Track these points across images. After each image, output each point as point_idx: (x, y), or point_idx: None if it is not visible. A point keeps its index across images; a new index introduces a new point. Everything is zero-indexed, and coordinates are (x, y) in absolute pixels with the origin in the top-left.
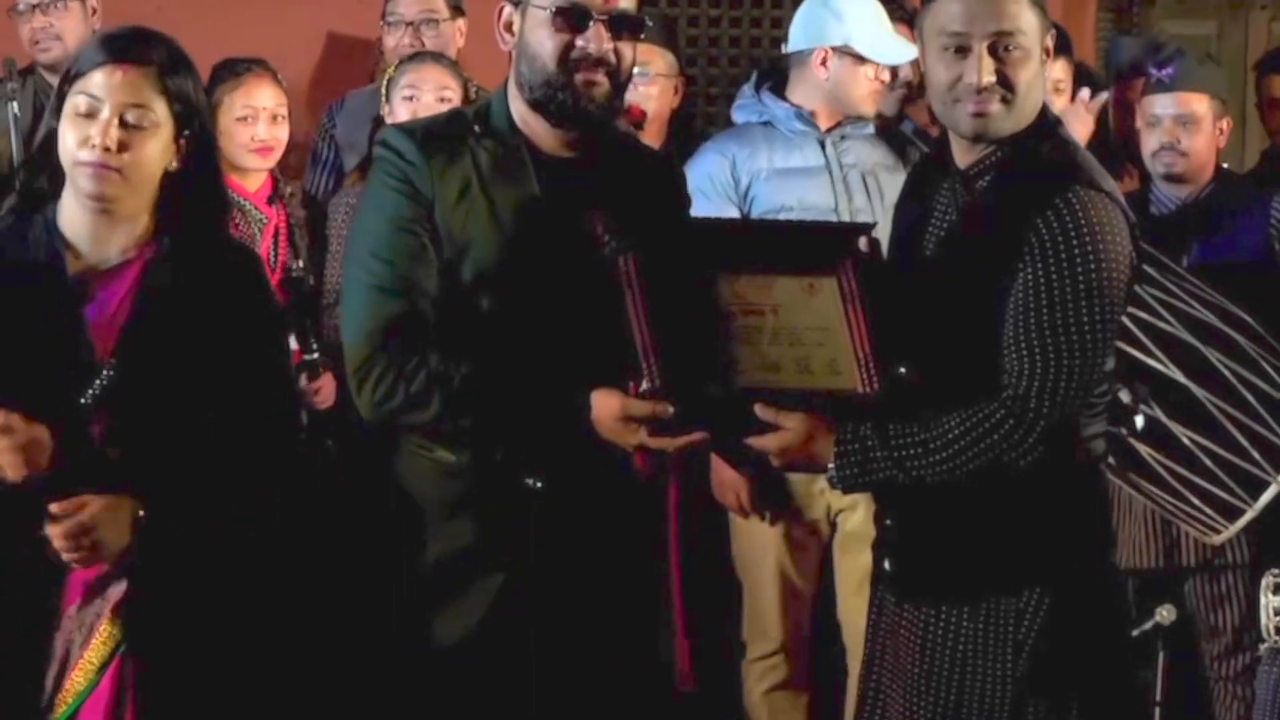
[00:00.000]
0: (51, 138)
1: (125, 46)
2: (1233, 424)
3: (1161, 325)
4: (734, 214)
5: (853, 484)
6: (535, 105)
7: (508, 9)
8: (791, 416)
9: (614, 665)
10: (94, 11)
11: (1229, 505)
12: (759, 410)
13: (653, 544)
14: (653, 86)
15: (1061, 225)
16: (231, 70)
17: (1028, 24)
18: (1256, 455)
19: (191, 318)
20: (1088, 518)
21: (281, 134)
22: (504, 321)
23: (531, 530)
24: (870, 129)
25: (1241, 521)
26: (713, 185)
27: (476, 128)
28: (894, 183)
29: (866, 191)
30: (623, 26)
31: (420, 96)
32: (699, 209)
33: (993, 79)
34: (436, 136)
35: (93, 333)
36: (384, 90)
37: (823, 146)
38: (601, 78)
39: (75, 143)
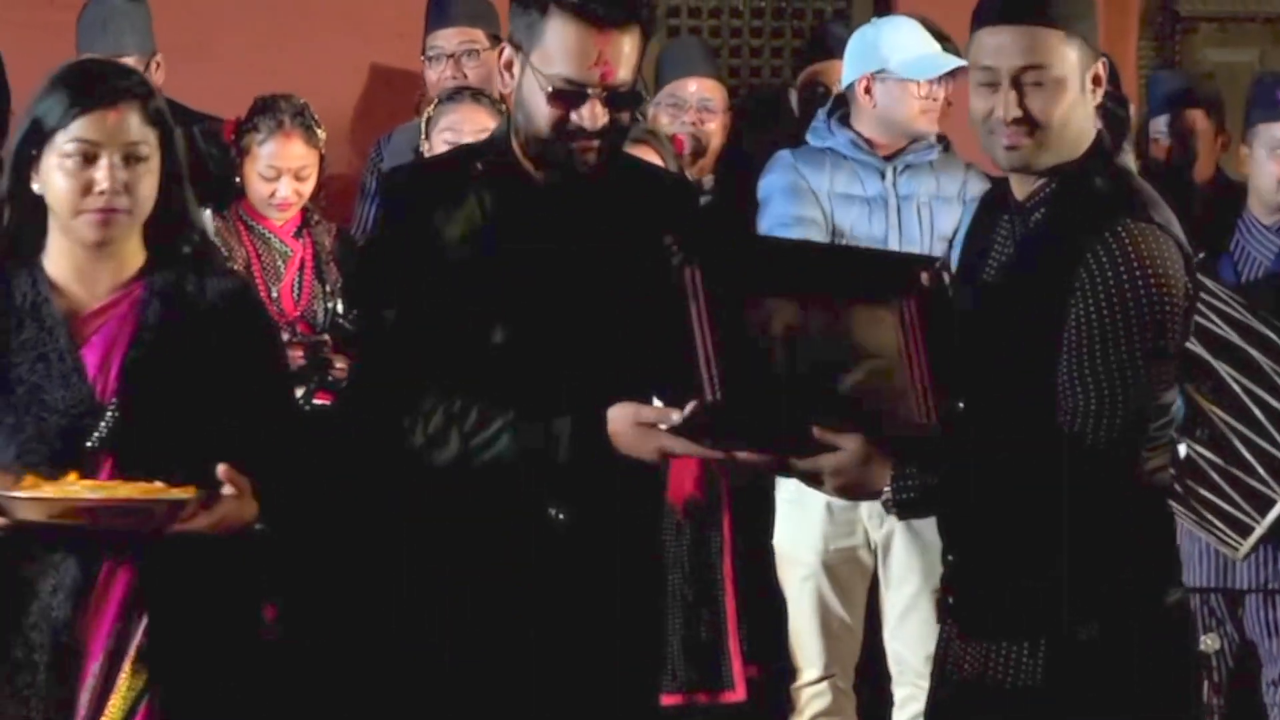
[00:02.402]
0: (18, 195)
1: (106, 88)
2: (1239, 440)
3: None
4: (814, 211)
5: (907, 510)
6: (528, 156)
7: (508, 49)
8: (849, 438)
9: (617, 688)
10: None
11: (1241, 522)
12: (816, 432)
13: (706, 567)
14: (714, 123)
15: (1110, 259)
16: (265, 120)
17: (1060, 55)
18: (1263, 472)
19: (187, 348)
20: (1149, 553)
21: (306, 187)
22: (516, 354)
23: (533, 544)
24: (934, 154)
25: (1253, 538)
26: (783, 187)
27: (479, 164)
28: (948, 214)
29: (919, 223)
30: (620, 103)
31: (460, 138)
32: (777, 211)
33: (1017, 113)
34: (439, 174)
35: (92, 375)
36: (424, 127)
37: (882, 176)
38: (595, 144)
39: (76, 191)
